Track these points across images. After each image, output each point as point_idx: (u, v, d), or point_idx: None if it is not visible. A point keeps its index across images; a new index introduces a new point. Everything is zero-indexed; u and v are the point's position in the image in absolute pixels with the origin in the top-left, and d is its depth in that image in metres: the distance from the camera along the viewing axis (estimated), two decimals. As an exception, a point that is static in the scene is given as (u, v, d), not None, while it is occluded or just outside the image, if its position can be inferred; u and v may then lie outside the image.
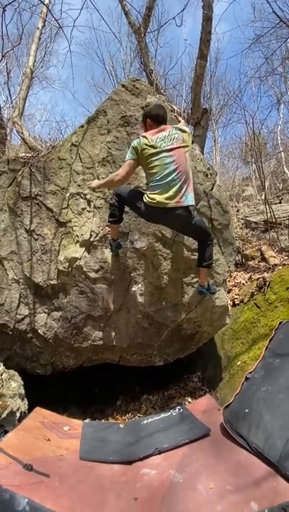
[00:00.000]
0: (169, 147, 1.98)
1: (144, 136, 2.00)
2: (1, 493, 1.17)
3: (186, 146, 2.05)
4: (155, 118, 2.07)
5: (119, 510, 1.35)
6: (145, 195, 2.03)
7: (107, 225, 2.41)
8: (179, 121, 2.51)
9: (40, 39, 5.63)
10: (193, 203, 2.07)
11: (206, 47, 4.58)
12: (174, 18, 3.75)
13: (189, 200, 2.03)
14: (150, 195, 1.99)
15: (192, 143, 2.23)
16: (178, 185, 1.97)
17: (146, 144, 1.96)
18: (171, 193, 1.96)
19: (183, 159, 2.00)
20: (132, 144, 2.01)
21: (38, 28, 5.40)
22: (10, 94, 7.56)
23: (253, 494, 1.32)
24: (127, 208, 2.42)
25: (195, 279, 2.55)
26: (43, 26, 5.49)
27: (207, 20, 4.32)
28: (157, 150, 1.96)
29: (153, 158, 1.97)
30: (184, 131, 2.06)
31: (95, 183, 2.27)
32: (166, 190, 1.96)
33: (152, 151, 1.96)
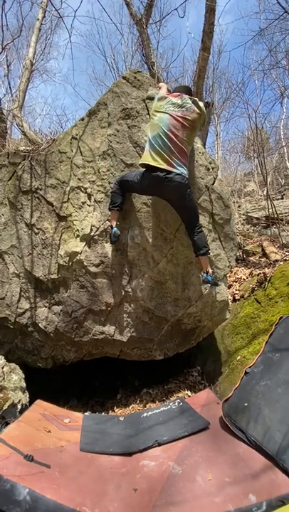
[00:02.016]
0: (173, 113, 2.12)
1: (163, 96, 2.22)
2: (2, 483, 1.19)
3: (192, 124, 2.15)
4: (174, 90, 2.36)
5: (119, 501, 1.36)
6: (141, 162, 2.17)
7: (110, 210, 2.41)
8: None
9: (40, 30, 5.55)
10: (187, 176, 2.13)
11: (208, 39, 4.50)
12: (176, 9, 3.68)
13: (182, 170, 2.09)
14: (144, 154, 2.14)
15: (202, 124, 2.31)
16: (168, 151, 2.07)
17: (159, 99, 2.20)
18: (161, 155, 2.07)
19: (179, 133, 2.10)
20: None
21: (38, 19, 5.33)
22: (10, 87, 7.49)
23: (251, 486, 1.34)
24: (127, 203, 2.42)
25: (195, 274, 2.54)
26: (43, 17, 5.41)
27: (210, 11, 4.23)
28: (162, 110, 2.14)
29: (156, 114, 2.16)
30: (199, 108, 2.18)
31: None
32: (157, 152, 2.08)
33: (159, 105, 2.17)
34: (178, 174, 2.07)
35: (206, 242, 2.35)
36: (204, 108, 2.24)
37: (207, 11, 4.23)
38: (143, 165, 2.17)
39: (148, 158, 2.11)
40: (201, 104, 2.23)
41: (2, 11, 2.76)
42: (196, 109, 2.17)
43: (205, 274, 2.39)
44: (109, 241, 2.44)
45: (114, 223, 2.36)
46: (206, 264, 2.38)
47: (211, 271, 2.40)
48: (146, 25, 5.73)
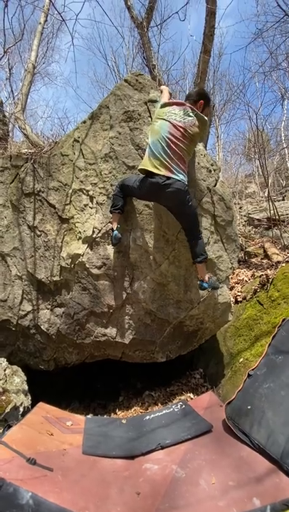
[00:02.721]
0: (174, 122, 2.12)
1: (167, 102, 2.22)
2: (4, 487, 1.18)
3: (191, 137, 2.13)
4: (187, 96, 2.35)
5: (121, 505, 1.35)
6: (140, 168, 2.17)
7: (112, 212, 2.40)
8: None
9: (42, 34, 5.59)
10: (186, 183, 2.13)
11: (209, 41, 4.52)
12: (177, 12, 3.71)
13: (181, 177, 2.09)
14: (144, 160, 2.15)
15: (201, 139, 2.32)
16: (167, 158, 2.06)
17: (163, 105, 2.20)
18: (160, 162, 2.07)
19: (179, 142, 2.10)
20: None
21: (40, 23, 5.37)
22: (12, 90, 7.54)
23: (255, 490, 1.33)
24: (129, 206, 2.43)
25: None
26: (45, 21, 5.45)
27: (211, 14, 4.26)
28: (164, 117, 2.14)
29: (157, 121, 2.17)
30: (200, 122, 2.17)
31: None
32: (157, 158, 2.08)
33: (162, 112, 2.18)
34: (177, 181, 2.07)
35: (204, 249, 2.32)
36: (206, 121, 2.22)
37: (208, 14, 4.26)
38: (142, 170, 2.17)
39: (147, 163, 2.11)
40: (204, 118, 2.21)
41: (4, 15, 2.79)
42: (196, 122, 2.15)
43: (200, 282, 2.38)
44: (111, 244, 2.45)
45: (116, 226, 2.37)
46: (202, 272, 2.35)
47: (207, 278, 2.36)
48: (147, 29, 5.76)
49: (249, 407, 1.73)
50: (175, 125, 2.11)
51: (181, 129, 2.11)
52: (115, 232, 2.35)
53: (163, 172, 2.06)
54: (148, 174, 2.13)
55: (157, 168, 2.06)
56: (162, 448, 1.76)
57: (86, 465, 1.62)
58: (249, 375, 1.91)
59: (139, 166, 2.21)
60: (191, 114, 2.15)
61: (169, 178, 2.06)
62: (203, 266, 2.35)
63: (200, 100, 2.25)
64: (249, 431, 1.63)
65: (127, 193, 2.33)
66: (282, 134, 10.31)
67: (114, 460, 1.71)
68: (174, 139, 2.08)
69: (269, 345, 2.00)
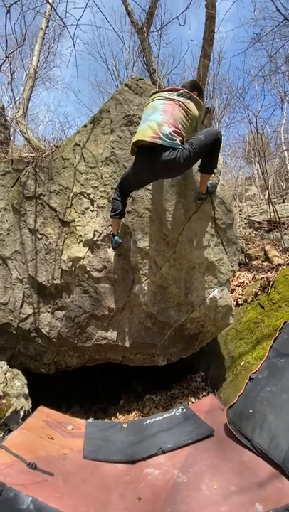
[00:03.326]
0: (168, 97, 1.97)
1: (158, 90, 2.09)
2: (5, 492, 1.18)
3: (187, 110, 1.95)
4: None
5: (123, 510, 1.34)
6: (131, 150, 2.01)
7: (112, 217, 2.34)
8: None
9: (43, 39, 5.65)
10: (177, 146, 1.82)
11: (209, 46, 4.57)
12: (176, 17, 3.75)
13: (169, 141, 1.80)
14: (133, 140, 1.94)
15: (199, 118, 2.11)
16: (156, 122, 1.83)
17: (152, 93, 2.07)
18: (148, 129, 1.83)
19: (176, 111, 1.89)
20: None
21: (42, 29, 5.43)
22: (13, 95, 7.60)
23: (257, 495, 1.31)
24: (129, 208, 2.43)
25: (198, 279, 2.54)
26: (47, 26, 5.51)
27: (210, 19, 4.31)
28: (155, 98, 2.00)
29: (148, 104, 2.02)
30: (196, 103, 2.00)
31: None
32: (144, 128, 1.87)
33: (152, 97, 2.04)
34: (165, 146, 1.80)
35: (215, 166, 2.15)
36: (201, 104, 2.06)
37: (207, 19, 4.31)
38: (132, 149, 2.00)
39: (134, 137, 1.93)
40: (198, 100, 2.04)
41: (6, 21, 2.82)
42: (191, 102, 1.98)
43: (198, 194, 2.35)
44: (111, 247, 2.45)
45: (116, 231, 2.36)
46: (204, 184, 2.28)
47: (205, 189, 2.31)
48: (148, 33, 5.83)
49: (251, 411, 1.72)
50: (168, 98, 1.96)
51: (175, 102, 1.93)
52: (116, 237, 2.34)
53: (149, 139, 1.81)
54: (137, 150, 1.96)
55: (143, 134, 1.84)
56: (163, 452, 1.75)
57: (87, 470, 1.61)
58: (251, 379, 1.90)
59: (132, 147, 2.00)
60: (185, 95, 1.99)
61: (156, 145, 1.81)
62: (208, 177, 2.26)
63: (194, 91, 2.10)
64: (251, 435, 1.62)
65: (125, 189, 2.23)
66: (282, 137, 10.35)
67: (115, 465, 1.70)
68: (169, 107, 1.90)
69: (270, 348, 1.99)
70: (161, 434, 1.96)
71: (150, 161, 1.88)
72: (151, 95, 2.08)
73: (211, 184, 2.42)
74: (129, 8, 5.64)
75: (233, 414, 1.81)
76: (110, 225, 2.48)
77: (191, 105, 1.98)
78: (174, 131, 1.84)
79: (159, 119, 1.86)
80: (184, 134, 1.92)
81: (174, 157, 1.81)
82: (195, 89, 2.14)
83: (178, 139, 1.85)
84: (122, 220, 2.43)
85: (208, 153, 2.02)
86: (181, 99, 1.97)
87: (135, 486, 1.50)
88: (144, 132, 1.85)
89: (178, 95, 1.99)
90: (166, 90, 2.05)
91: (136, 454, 1.77)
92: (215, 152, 2.06)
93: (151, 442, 1.87)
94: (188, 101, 1.98)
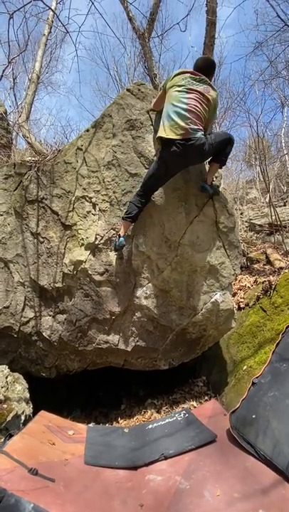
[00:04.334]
0: (190, 86, 2.12)
1: (179, 71, 2.21)
2: (6, 498, 1.16)
3: (208, 104, 2.15)
4: (195, 64, 2.27)
5: (124, 517, 1.33)
6: (157, 136, 2.18)
7: (124, 220, 2.38)
8: None
9: (46, 45, 5.72)
10: (203, 138, 2.11)
11: (209, 51, 4.60)
12: (178, 23, 3.80)
13: (198, 134, 2.08)
14: (160, 129, 2.14)
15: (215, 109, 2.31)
16: (185, 120, 2.06)
17: (176, 75, 2.19)
18: (178, 126, 2.06)
19: (198, 105, 2.10)
20: (163, 84, 2.29)
21: (44, 35, 5.50)
22: (16, 100, 7.65)
23: (261, 502, 1.30)
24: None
25: (200, 283, 2.53)
26: (49, 32, 5.58)
27: (211, 25, 4.34)
28: (181, 83, 2.14)
29: (174, 88, 2.16)
30: (214, 91, 2.20)
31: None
32: (173, 122, 2.08)
33: (177, 80, 2.16)
34: (196, 140, 2.07)
35: (226, 157, 2.36)
36: (218, 95, 2.28)
37: (208, 24, 4.35)
38: (159, 139, 2.19)
39: (163, 131, 2.12)
40: (217, 92, 2.25)
41: (9, 26, 2.86)
42: (211, 90, 2.17)
43: (203, 184, 2.40)
44: (113, 249, 2.44)
45: (124, 233, 2.36)
46: (212, 175, 2.42)
47: (211, 182, 2.41)
48: (149, 39, 5.88)
49: (254, 416, 1.71)
50: (191, 89, 2.12)
51: (197, 94, 2.12)
52: (122, 239, 2.33)
53: (180, 135, 2.06)
54: (165, 143, 2.13)
55: (174, 133, 2.07)
56: (166, 458, 1.73)
57: (88, 476, 1.60)
58: (253, 383, 1.89)
59: (157, 135, 2.20)
60: (206, 80, 2.18)
61: (188, 140, 2.06)
62: (216, 169, 2.41)
63: (211, 74, 2.29)
64: (254, 441, 1.60)
65: (151, 188, 2.31)
66: (283, 141, 10.37)
67: (116, 471, 1.69)
68: (192, 101, 2.09)
69: (273, 352, 1.98)
70: (163, 439, 1.94)
71: (183, 150, 2.10)
72: (176, 75, 2.21)
73: (214, 186, 2.45)
74: (130, 15, 5.70)
75: (236, 419, 1.79)
76: (115, 228, 2.48)
77: (212, 92, 2.18)
78: (199, 126, 2.11)
79: (186, 115, 2.08)
80: (204, 127, 2.20)
81: (203, 146, 2.10)
82: (212, 71, 2.32)
83: (201, 132, 2.13)
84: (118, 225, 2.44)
85: (223, 147, 2.29)
86: (202, 88, 2.15)
87: (137, 493, 1.48)
88: (176, 130, 2.08)
89: (200, 82, 2.16)
90: (189, 72, 2.19)
91: (138, 460, 1.76)
92: (228, 148, 2.32)
93: (153, 448, 1.85)
94: (209, 88, 2.18)
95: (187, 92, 2.11)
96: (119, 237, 2.36)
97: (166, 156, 2.17)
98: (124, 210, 2.40)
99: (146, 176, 2.30)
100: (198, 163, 2.41)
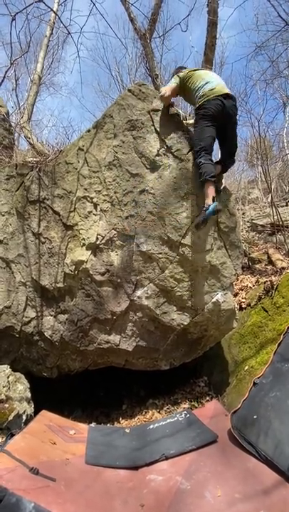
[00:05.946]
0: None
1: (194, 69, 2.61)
2: (7, 497, 1.17)
3: None
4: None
5: (125, 517, 1.33)
6: (201, 100, 2.36)
7: (208, 181, 2.23)
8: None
9: (48, 46, 5.74)
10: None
11: (211, 51, 4.60)
12: (179, 23, 3.81)
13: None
14: (206, 91, 2.36)
15: None
16: (222, 82, 2.45)
17: (190, 70, 2.55)
18: (223, 84, 2.43)
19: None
20: (178, 75, 2.57)
21: (46, 36, 5.52)
22: (18, 101, 7.68)
23: (262, 503, 1.29)
24: (132, 212, 2.44)
25: (201, 283, 2.53)
26: (51, 34, 5.60)
27: (212, 25, 4.35)
28: (197, 70, 2.55)
29: (197, 73, 2.51)
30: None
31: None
32: (219, 83, 2.43)
33: (196, 68, 2.59)
34: (234, 100, 2.44)
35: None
36: None
37: (209, 25, 4.35)
38: (214, 97, 2.32)
39: (218, 90, 2.34)
40: None
41: (11, 28, 2.87)
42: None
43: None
44: (207, 217, 2.19)
45: (213, 196, 2.20)
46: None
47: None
48: (150, 40, 5.89)
49: (255, 417, 1.70)
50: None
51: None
52: (216, 202, 2.19)
53: (227, 90, 2.39)
54: (219, 99, 2.33)
55: (224, 88, 2.40)
56: (166, 458, 1.73)
57: (89, 475, 1.60)
58: (255, 384, 1.88)
59: (210, 94, 2.34)
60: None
61: (234, 99, 2.43)
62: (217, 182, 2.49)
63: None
64: (255, 441, 1.59)
65: (210, 145, 2.37)
66: (285, 141, 10.33)
67: (117, 471, 1.69)
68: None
69: (275, 352, 1.97)
70: (164, 439, 1.94)
71: (233, 104, 2.41)
72: (191, 71, 2.54)
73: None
74: (132, 15, 5.71)
75: (237, 419, 1.78)
76: (114, 229, 2.48)
77: None
78: None
79: (221, 81, 2.49)
80: None
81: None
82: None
83: None
84: (125, 224, 2.44)
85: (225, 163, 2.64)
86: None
87: (138, 493, 1.48)
88: (223, 88, 2.40)
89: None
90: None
91: (139, 460, 1.76)
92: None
93: (154, 448, 1.85)
94: None
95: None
96: (213, 201, 2.18)
97: (222, 107, 2.32)
98: (202, 172, 2.24)
99: (201, 137, 2.34)
100: (234, 127, 2.55)
